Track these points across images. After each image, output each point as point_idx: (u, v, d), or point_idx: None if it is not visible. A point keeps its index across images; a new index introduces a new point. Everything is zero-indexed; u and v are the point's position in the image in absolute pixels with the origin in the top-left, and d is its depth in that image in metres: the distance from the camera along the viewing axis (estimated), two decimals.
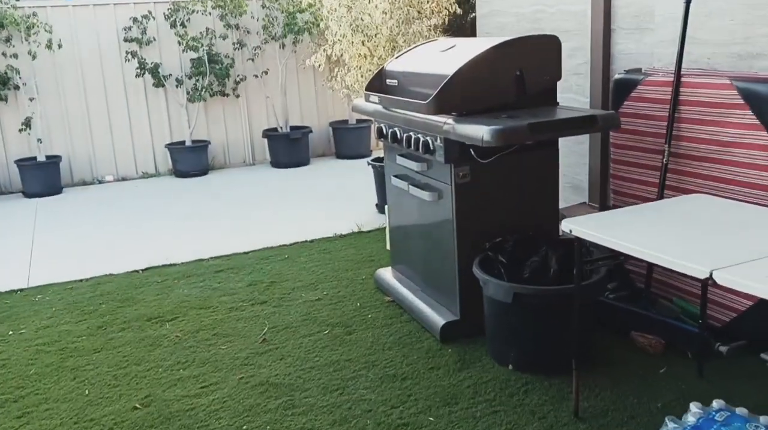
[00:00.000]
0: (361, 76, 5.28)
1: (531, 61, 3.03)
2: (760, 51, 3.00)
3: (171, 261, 4.47)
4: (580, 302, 2.54)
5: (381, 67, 3.67)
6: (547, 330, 2.80)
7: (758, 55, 3.01)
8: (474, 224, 3.05)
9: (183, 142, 7.51)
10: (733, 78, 2.78)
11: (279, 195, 6.34)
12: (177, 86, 7.46)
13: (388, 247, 4.45)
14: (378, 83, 3.61)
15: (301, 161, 7.68)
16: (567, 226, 2.32)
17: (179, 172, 7.44)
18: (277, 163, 7.70)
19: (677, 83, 2.99)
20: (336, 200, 5.96)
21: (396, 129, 3.37)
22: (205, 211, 5.83)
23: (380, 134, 3.54)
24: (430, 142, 3.05)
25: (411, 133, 3.20)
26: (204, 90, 7.43)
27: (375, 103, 3.47)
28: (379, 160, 5.51)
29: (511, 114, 2.91)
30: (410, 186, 3.33)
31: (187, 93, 7.48)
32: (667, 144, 3.02)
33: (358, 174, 6.91)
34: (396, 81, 3.48)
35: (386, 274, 3.83)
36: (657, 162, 3.12)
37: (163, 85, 7.39)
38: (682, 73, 2.99)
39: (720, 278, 1.81)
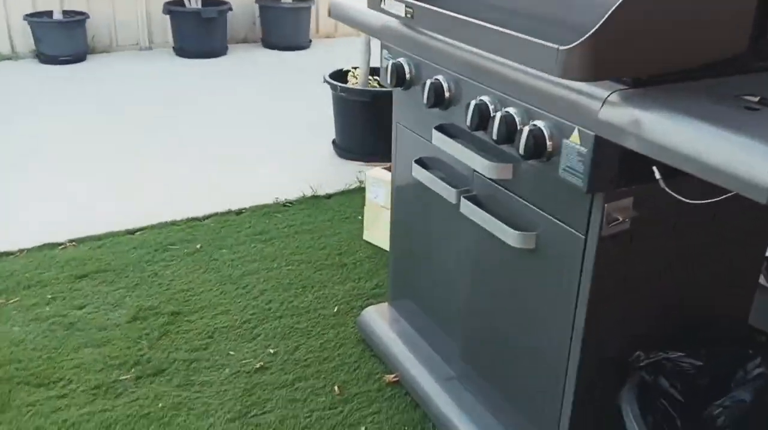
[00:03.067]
0: None
1: None
2: None
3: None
4: None
5: None
6: None
7: None
8: (622, 316, 1.44)
9: (50, 14, 5.37)
10: None
11: (182, 103, 4.41)
12: None
13: (365, 236, 2.80)
14: None
15: (216, 50, 5.76)
16: None
17: (44, 57, 5.34)
18: (182, 51, 5.73)
19: None
20: (269, 122, 4.10)
21: (441, 79, 1.63)
22: (67, 133, 3.86)
23: (398, 79, 1.80)
24: (547, 134, 1.35)
25: (494, 106, 1.48)
26: None
27: (397, 15, 1.69)
28: (341, 76, 3.72)
29: (753, 90, 1.23)
30: (463, 199, 1.65)
31: None
32: None
33: (295, 76, 5.04)
34: None
35: (380, 321, 2.17)
36: None
37: None
38: None
39: None
